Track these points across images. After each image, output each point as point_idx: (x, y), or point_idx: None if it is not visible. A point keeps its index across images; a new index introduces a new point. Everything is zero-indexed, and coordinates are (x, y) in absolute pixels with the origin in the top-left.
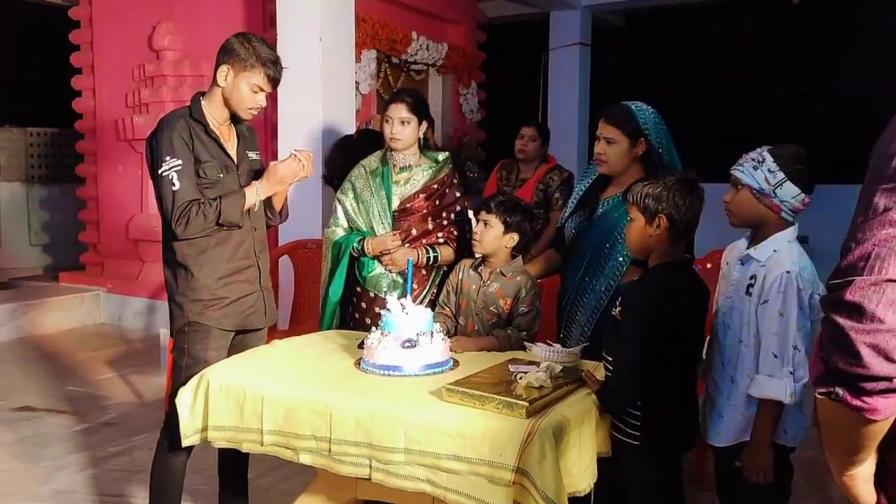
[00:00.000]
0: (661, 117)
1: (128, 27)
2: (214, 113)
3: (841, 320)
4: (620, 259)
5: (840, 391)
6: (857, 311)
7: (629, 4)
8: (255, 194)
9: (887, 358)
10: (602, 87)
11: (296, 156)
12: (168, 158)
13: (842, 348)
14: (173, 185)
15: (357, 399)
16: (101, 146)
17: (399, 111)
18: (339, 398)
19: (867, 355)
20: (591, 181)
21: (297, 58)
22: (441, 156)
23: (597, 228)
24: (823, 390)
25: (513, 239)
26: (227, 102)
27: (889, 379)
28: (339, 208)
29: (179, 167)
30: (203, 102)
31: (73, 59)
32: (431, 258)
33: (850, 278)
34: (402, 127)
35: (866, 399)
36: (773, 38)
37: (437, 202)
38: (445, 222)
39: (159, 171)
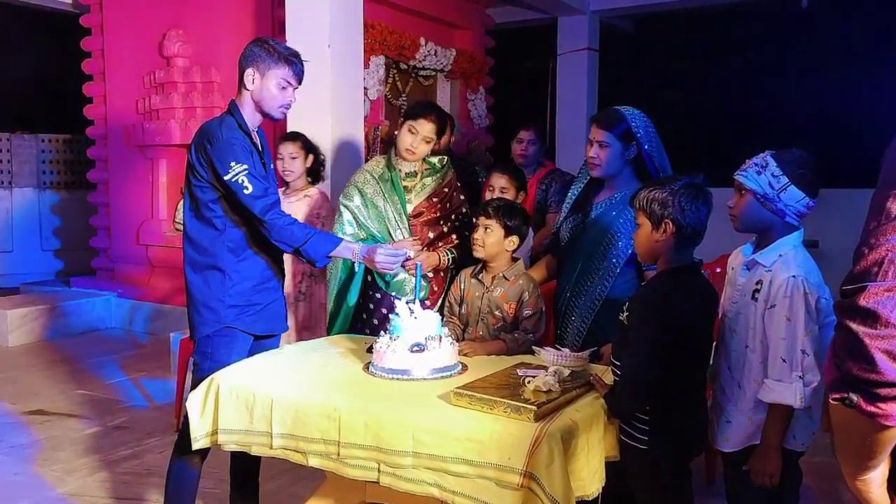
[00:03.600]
0: (665, 121)
1: (138, 34)
2: (248, 120)
3: (855, 326)
4: (614, 261)
5: (854, 397)
6: (872, 317)
7: (637, 9)
8: (349, 254)
9: None
10: (610, 92)
11: (407, 263)
12: (233, 164)
13: (856, 354)
14: (245, 188)
15: (366, 403)
16: (112, 152)
17: (428, 129)
18: (349, 402)
19: (882, 361)
20: (583, 185)
21: (305, 64)
22: (437, 160)
23: (591, 231)
24: (837, 396)
25: (513, 242)
26: (258, 106)
27: None
28: (345, 213)
29: (246, 170)
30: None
31: (85, 66)
32: (450, 259)
33: (864, 284)
34: (424, 144)
35: (881, 405)
36: (781, 42)
37: (448, 205)
38: (457, 224)
39: (225, 178)
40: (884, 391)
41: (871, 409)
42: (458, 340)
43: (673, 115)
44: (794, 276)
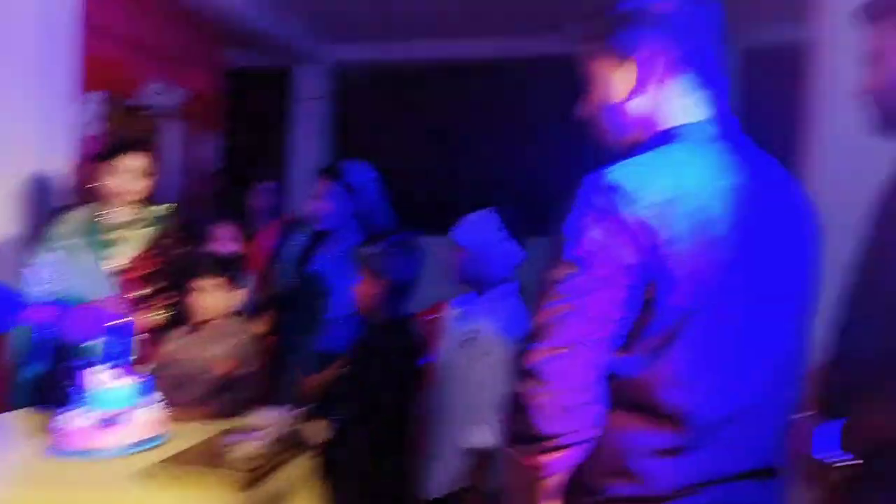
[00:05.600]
0: (394, 173)
1: None
2: None
3: (518, 385)
4: (333, 315)
5: (516, 450)
6: (532, 376)
7: (371, 62)
8: (40, 317)
9: (553, 418)
10: (344, 142)
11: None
12: None
13: (515, 409)
14: None
15: (48, 492)
16: None
17: (138, 162)
18: (27, 493)
19: (537, 417)
20: (307, 237)
21: (6, 97)
22: (165, 208)
23: (312, 285)
24: (503, 449)
25: (234, 297)
26: None
27: (556, 437)
28: (44, 267)
29: None
30: None
31: None
32: (163, 318)
33: (529, 345)
34: (136, 181)
35: (537, 458)
36: (499, 99)
37: (165, 258)
38: (168, 284)
39: None
40: (538, 445)
41: (529, 461)
42: (167, 406)
43: (402, 166)
44: (505, 326)
